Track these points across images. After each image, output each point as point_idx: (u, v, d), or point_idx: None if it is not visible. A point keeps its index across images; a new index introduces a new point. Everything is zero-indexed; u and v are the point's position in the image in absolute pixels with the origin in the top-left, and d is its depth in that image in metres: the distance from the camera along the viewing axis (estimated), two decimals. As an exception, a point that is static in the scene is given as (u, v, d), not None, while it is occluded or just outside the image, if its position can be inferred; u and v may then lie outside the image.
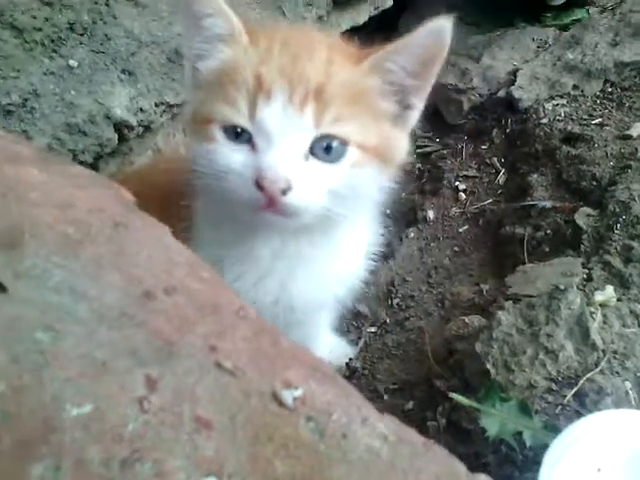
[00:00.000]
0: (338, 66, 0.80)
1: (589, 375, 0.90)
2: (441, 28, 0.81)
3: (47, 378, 0.47)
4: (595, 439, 0.67)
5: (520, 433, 0.80)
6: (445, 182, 1.70)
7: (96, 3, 1.23)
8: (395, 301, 1.41)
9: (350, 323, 1.39)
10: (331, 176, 0.80)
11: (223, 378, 0.51)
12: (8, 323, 0.50)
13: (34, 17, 1.13)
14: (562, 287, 1.02)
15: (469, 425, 0.93)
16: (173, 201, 0.92)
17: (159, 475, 0.45)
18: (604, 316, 0.99)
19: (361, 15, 1.92)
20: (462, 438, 0.95)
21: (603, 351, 0.93)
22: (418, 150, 1.88)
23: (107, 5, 1.25)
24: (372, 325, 1.37)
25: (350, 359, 1.27)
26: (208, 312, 0.55)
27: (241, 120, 0.78)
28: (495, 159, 1.72)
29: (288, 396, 0.51)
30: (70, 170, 0.61)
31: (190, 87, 0.88)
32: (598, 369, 0.91)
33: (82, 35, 1.19)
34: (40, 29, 1.14)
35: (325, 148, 0.79)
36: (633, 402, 0.87)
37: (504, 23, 2.15)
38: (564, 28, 2.05)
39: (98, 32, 1.21)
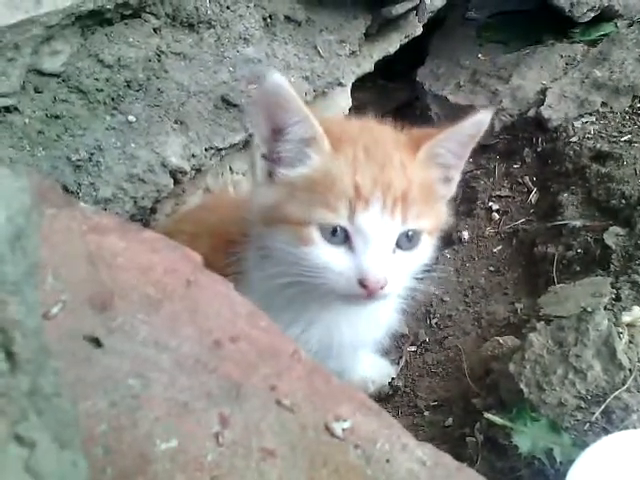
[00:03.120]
0: (410, 167, 0.92)
1: (616, 393, 0.96)
2: (483, 120, 0.95)
3: (140, 418, 0.58)
4: (617, 457, 0.74)
5: (551, 449, 0.87)
6: (479, 202, 1.77)
7: (149, 61, 1.35)
8: (434, 321, 1.49)
9: (391, 343, 1.47)
10: (411, 261, 0.95)
11: (283, 414, 0.61)
12: (105, 372, 0.60)
13: (96, 79, 1.26)
14: (590, 309, 1.08)
15: (504, 441, 1.00)
16: (223, 247, 1.03)
17: (235, 497, 0.55)
18: (631, 336, 1.05)
19: (392, 45, 2.00)
20: (498, 453, 1.02)
21: (630, 370, 1.00)
22: (452, 171, 1.95)
23: (159, 61, 1.37)
24: (412, 344, 1.46)
25: (392, 378, 1.36)
26: (267, 356, 0.65)
27: (342, 222, 0.88)
28: (527, 178, 1.78)
29: (338, 428, 0.61)
30: (143, 235, 0.72)
31: (263, 182, 0.95)
32: (625, 387, 0.97)
33: (138, 91, 1.32)
34: (102, 90, 1.26)
35: (406, 238, 0.92)
36: (658, 419, 0.93)
37: (533, 40, 2.20)
38: (592, 43, 2.09)
39: (152, 87, 1.34)
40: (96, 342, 0.62)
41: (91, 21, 1.25)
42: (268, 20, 1.62)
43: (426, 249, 0.97)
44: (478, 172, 1.89)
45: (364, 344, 1.17)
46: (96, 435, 0.56)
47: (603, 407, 0.95)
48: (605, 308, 1.14)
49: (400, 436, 0.62)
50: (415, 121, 2.21)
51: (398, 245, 0.92)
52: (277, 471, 0.57)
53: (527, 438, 0.90)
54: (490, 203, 1.75)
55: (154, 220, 1.37)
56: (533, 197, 1.73)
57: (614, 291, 1.18)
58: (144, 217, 1.32)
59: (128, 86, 1.31)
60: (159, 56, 1.38)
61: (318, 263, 0.89)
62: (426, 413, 1.28)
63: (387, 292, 0.90)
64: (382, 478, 0.59)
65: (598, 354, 1.03)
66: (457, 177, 1.01)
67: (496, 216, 1.71)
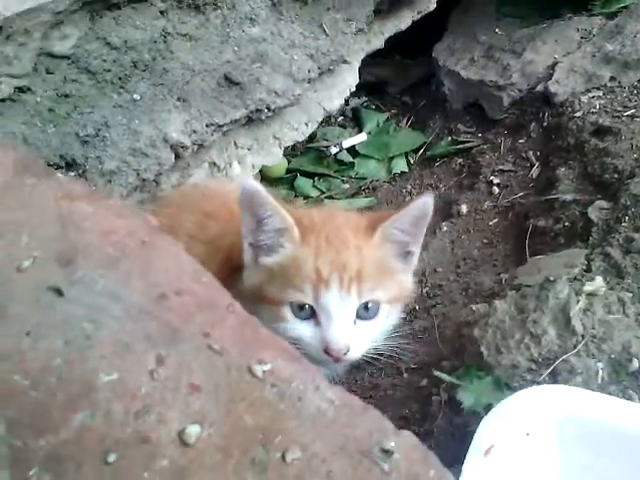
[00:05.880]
0: (364, 248, 1.07)
1: (564, 357, 1.02)
2: (426, 202, 1.06)
3: (89, 355, 0.68)
4: (526, 409, 0.81)
5: (490, 404, 0.94)
6: (481, 177, 1.81)
7: (155, 42, 1.45)
8: (425, 290, 1.55)
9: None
10: (372, 329, 1.09)
11: (212, 356, 0.70)
12: (63, 317, 0.71)
13: (104, 60, 1.37)
14: (552, 278, 1.13)
15: (462, 400, 1.07)
16: (224, 260, 1.15)
17: (160, 422, 0.65)
18: (590, 304, 1.09)
19: (404, 21, 2.04)
20: (457, 410, 1.09)
21: (582, 336, 1.05)
22: (460, 146, 1.99)
23: (165, 42, 1.47)
24: (402, 312, 1.52)
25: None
26: (205, 307, 0.74)
27: (308, 300, 1.04)
28: (531, 153, 1.80)
29: (259, 370, 0.70)
30: (110, 202, 0.82)
31: (250, 266, 1.10)
32: (574, 351, 1.02)
33: (144, 71, 1.42)
34: (109, 70, 1.37)
35: (365, 309, 1.07)
36: (600, 381, 0.98)
37: (551, 14, 2.18)
38: (611, 16, 2.06)
39: (157, 67, 1.44)
40: (58, 292, 0.72)
41: (99, 6, 1.35)
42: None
43: (387, 317, 1.11)
44: (485, 147, 1.92)
45: None
46: (52, 367, 0.67)
47: (550, 369, 1.01)
48: (575, 278, 1.18)
49: (315, 379, 0.70)
50: (430, 96, 2.27)
51: (359, 316, 1.06)
52: (200, 403, 0.67)
53: (471, 394, 0.97)
54: (492, 177, 1.78)
55: (160, 191, 1.48)
56: (534, 171, 1.75)
57: (586, 262, 1.22)
58: (150, 189, 1.43)
59: (134, 66, 1.41)
60: (165, 37, 1.47)
61: (291, 336, 1.04)
62: (405, 375, 1.36)
63: (350, 357, 1.06)
64: (293, 412, 0.67)
65: (555, 320, 1.08)
66: (417, 251, 1.14)
67: (496, 190, 1.75)
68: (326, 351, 1.03)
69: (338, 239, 1.07)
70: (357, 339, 1.06)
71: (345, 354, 1.04)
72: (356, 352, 1.06)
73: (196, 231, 1.20)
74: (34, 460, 0.61)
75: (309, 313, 1.05)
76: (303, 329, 1.05)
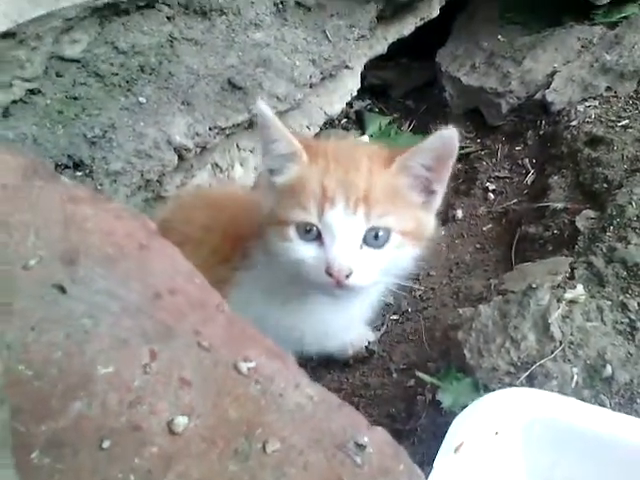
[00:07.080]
0: (377, 173, 1.03)
1: (541, 362, 1.07)
2: (450, 135, 1.01)
3: (87, 349, 0.74)
4: (496, 409, 0.86)
5: (467, 405, 0.99)
6: (478, 183, 1.85)
7: (162, 47, 1.50)
8: (418, 293, 1.60)
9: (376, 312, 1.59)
10: (380, 258, 1.04)
11: (201, 353, 0.76)
12: (65, 313, 0.77)
13: (112, 64, 1.43)
14: (534, 286, 1.18)
15: (444, 400, 1.12)
16: (235, 242, 1.19)
17: (152, 413, 0.70)
18: (570, 311, 1.14)
19: (406, 27, 2.08)
20: (440, 410, 1.15)
21: (560, 342, 1.09)
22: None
23: (171, 47, 1.53)
24: (395, 313, 1.58)
25: (369, 342, 1.49)
26: (197, 307, 0.80)
27: (312, 220, 1.02)
28: (527, 160, 1.84)
29: (244, 367, 0.75)
30: (110, 205, 0.87)
31: (267, 190, 1.11)
32: (551, 356, 1.07)
33: (150, 75, 1.48)
34: (117, 74, 1.43)
35: (374, 237, 1.02)
36: (574, 385, 1.03)
37: (553, 22, 2.22)
38: (613, 26, 2.09)
39: (163, 71, 1.49)
40: (61, 289, 0.78)
41: (108, 12, 1.41)
42: (279, 5, 1.74)
43: (398, 249, 1.05)
44: (482, 153, 1.96)
45: (351, 328, 1.33)
46: (53, 359, 0.73)
47: (527, 373, 1.06)
48: (557, 286, 1.22)
49: (295, 377, 0.76)
50: (432, 101, 2.31)
51: (366, 242, 1.02)
52: (189, 397, 0.72)
53: (450, 395, 1.02)
54: (487, 183, 1.83)
55: (165, 191, 1.54)
56: (529, 179, 1.79)
57: (570, 270, 1.27)
58: (153, 189, 1.49)
59: (141, 70, 1.47)
60: (171, 42, 1.53)
61: (295, 257, 1.04)
62: (394, 375, 1.41)
63: (353, 282, 1.01)
64: (274, 407, 0.73)
65: (535, 326, 1.12)
66: (441, 190, 1.09)
67: (491, 196, 1.79)
68: (328, 272, 1.00)
69: (349, 161, 1.05)
70: (362, 264, 1.01)
71: (347, 277, 1.00)
72: (360, 279, 1.01)
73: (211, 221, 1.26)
74: (36, 444, 0.67)
75: (315, 235, 1.02)
76: (307, 250, 1.03)
